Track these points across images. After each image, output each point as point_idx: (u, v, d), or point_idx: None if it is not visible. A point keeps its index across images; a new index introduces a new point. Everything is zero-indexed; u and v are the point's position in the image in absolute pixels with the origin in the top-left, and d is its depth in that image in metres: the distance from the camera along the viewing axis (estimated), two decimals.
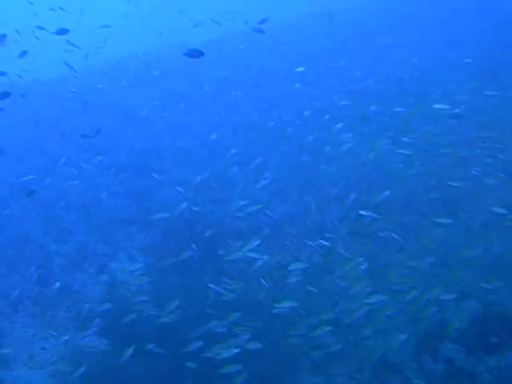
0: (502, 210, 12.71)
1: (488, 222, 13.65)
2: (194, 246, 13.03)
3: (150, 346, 10.88)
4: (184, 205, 13.85)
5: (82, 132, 20.46)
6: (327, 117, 19.12)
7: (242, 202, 14.66)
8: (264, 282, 11.99)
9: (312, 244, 13.33)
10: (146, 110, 25.29)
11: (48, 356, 12.74)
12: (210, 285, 11.80)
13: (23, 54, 20.78)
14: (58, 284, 13.70)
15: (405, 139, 15.78)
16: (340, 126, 17.43)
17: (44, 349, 13.02)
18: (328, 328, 10.82)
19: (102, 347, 11.98)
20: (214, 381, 10.37)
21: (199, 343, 10.43)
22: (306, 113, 20.64)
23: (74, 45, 27.14)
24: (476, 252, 12.11)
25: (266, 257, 12.06)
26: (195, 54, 13.61)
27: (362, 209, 13.20)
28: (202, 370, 10.40)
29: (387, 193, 13.50)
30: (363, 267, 11.46)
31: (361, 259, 11.54)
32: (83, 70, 32.44)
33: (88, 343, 12.14)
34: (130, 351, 10.54)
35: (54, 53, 33.65)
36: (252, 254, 11.88)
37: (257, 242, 12.02)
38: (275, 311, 11.02)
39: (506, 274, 11.78)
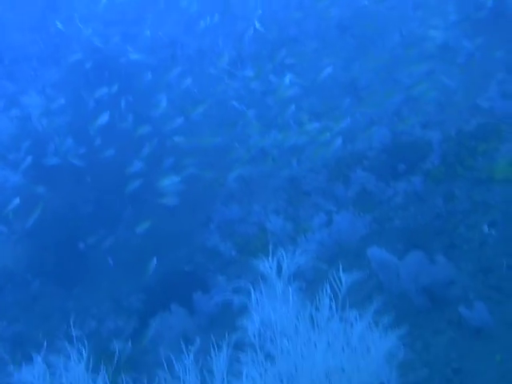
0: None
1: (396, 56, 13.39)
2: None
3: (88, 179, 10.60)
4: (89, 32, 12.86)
5: None
6: None
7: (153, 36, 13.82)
8: None
9: (226, 80, 12.85)
10: None
11: None
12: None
13: None
14: None
15: None
16: None
17: None
18: (245, 159, 10.70)
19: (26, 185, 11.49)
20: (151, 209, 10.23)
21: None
22: None
23: None
24: (388, 86, 12.01)
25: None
26: None
27: (281, 45, 12.69)
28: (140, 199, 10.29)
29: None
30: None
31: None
32: None
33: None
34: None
35: None
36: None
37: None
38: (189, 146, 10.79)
39: (414, 105, 11.78)
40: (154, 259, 9.34)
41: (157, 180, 10.14)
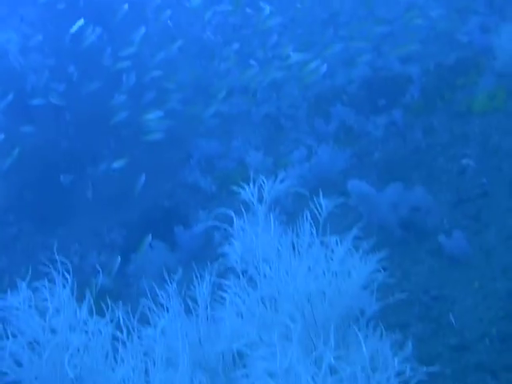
0: None
1: None
2: None
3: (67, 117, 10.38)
4: None
5: None
6: None
7: None
8: None
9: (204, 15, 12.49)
10: None
11: None
12: None
13: None
14: None
15: None
16: None
17: None
18: (221, 96, 10.53)
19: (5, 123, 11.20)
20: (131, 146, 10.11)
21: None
22: None
23: None
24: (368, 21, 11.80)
25: None
26: None
27: None
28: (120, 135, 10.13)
29: None
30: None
31: None
32: None
33: None
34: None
35: None
36: None
37: None
38: None
39: (393, 40, 11.62)
40: (143, 176, 9.25)
41: (138, 115, 9.94)
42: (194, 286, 4.19)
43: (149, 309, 4.13)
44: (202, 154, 10.51)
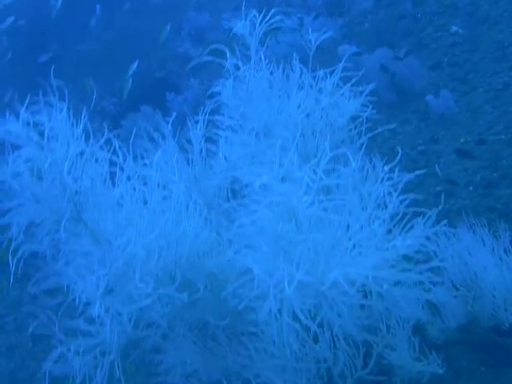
0: None
1: None
2: None
3: None
4: None
5: None
6: None
7: None
8: None
9: None
10: None
11: None
12: None
13: None
14: None
15: None
16: None
17: None
18: None
19: None
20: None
21: None
22: None
23: None
24: None
25: None
26: None
27: None
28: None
29: None
30: None
31: None
32: None
33: None
34: None
35: None
36: None
37: None
38: None
39: None
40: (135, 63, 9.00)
41: None
42: (188, 129, 4.12)
43: (144, 149, 4.08)
44: (193, 26, 10.18)
